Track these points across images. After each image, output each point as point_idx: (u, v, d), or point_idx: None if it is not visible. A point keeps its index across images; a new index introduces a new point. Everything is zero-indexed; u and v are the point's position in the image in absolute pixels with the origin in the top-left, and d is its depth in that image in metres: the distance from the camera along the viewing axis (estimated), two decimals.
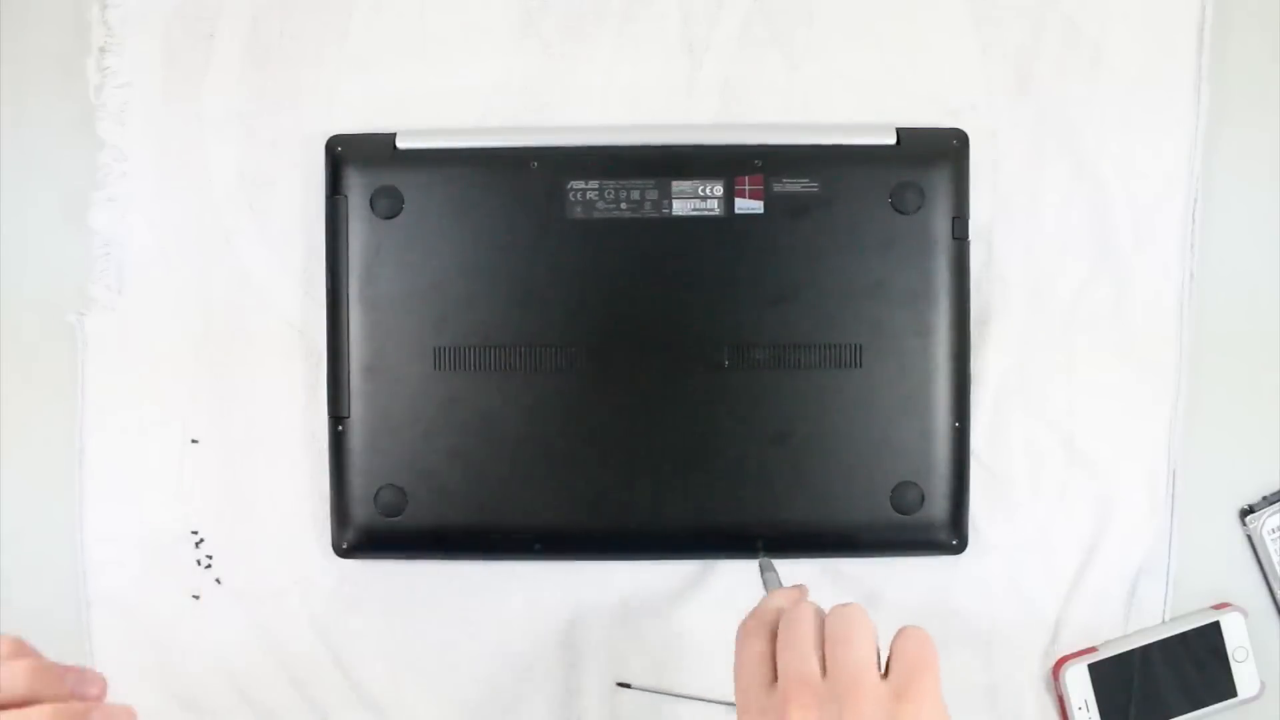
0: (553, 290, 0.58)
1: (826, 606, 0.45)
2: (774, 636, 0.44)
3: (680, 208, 0.58)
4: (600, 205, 0.58)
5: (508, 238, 0.59)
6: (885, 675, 0.42)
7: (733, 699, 0.45)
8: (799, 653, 0.42)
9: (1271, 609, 0.61)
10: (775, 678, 0.43)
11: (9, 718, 0.41)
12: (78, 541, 0.61)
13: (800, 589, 0.50)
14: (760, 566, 0.53)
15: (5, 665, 0.42)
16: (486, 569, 0.61)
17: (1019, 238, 0.61)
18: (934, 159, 0.59)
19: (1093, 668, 0.60)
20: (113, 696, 0.45)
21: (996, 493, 0.61)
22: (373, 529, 0.59)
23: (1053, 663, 0.61)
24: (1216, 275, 0.62)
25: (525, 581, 0.61)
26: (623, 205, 0.58)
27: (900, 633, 0.43)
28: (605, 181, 0.58)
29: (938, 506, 0.59)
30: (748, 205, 0.58)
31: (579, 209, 0.58)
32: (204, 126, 0.62)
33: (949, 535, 0.59)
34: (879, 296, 0.58)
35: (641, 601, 0.61)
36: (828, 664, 0.42)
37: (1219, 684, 0.60)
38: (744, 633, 0.45)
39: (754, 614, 0.46)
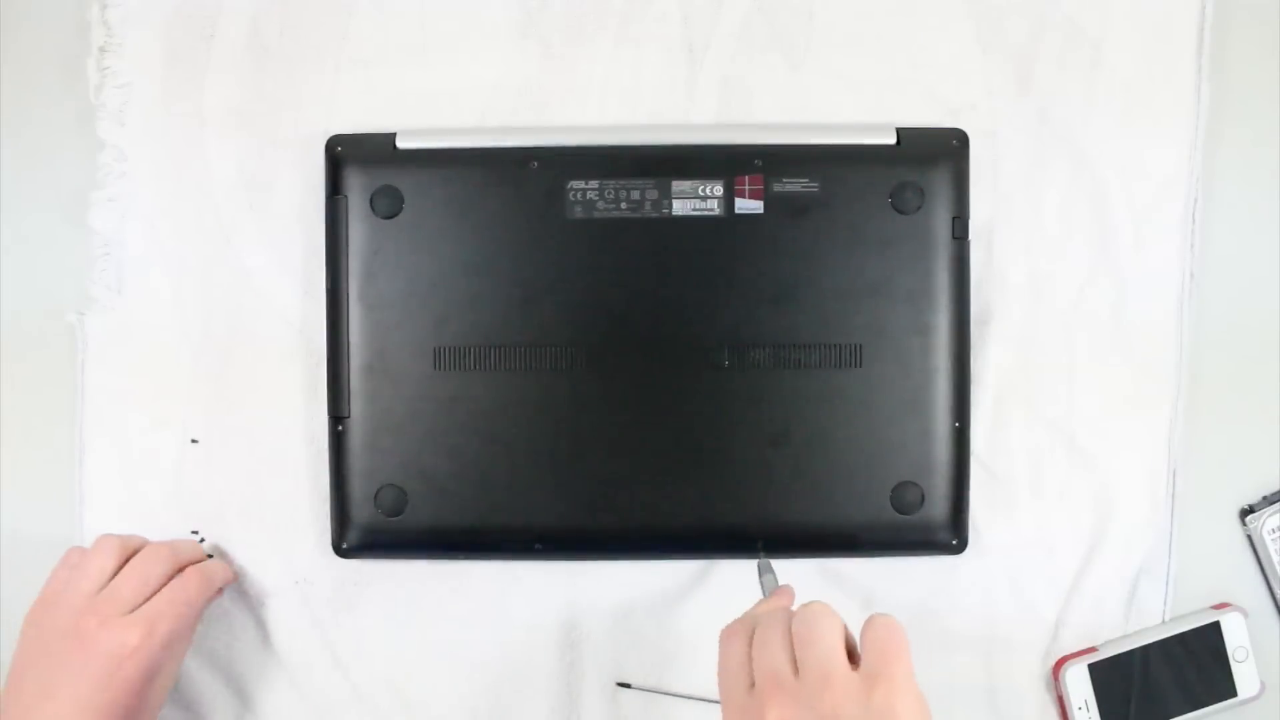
0: (553, 290, 0.58)
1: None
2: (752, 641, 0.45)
3: (680, 208, 0.58)
4: (600, 205, 0.58)
5: (508, 238, 0.59)
6: (859, 665, 0.43)
7: None
8: (770, 654, 0.43)
9: (1271, 609, 0.61)
10: (754, 681, 0.44)
11: (175, 583, 0.56)
12: (78, 541, 0.61)
13: (784, 592, 0.50)
14: (759, 569, 0.53)
15: (145, 550, 0.57)
16: (486, 569, 0.61)
17: (1019, 238, 0.61)
18: (934, 159, 0.59)
19: (1093, 668, 0.60)
20: None
21: (996, 493, 0.61)
22: (373, 529, 0.59)
23: (1053, 663, 0.61)
24: (1216, 275, 0.62)
25: (525, 581, 0.61)
26: (623, 205, 0.58)
27: (869, 621, 0.44)
28: (605, 181, 0.58)
29: (938, 506, 0.59)
30: (748, 205, 0.58)
31: (579, 209, 0.58)
32: (204, 126, 0.62)
33: (949, 535, 0.59)
34: (879, 296, 0.58)
35: (641, 601, 0.61)
36: (798, 663, 0.43)
37: (1219, 684, 0.60)
38: (724, 637, 0.46)
39: (738, 620, 0.47)
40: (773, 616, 0.45)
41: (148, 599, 0.55)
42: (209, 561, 0.59)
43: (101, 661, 0.53)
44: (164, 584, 0.56)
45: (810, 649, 0.43)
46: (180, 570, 0.57)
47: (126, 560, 0.57)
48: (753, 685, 0.44)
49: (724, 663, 0.45)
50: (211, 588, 0.58)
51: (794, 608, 0.46)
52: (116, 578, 0.56)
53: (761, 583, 0.52)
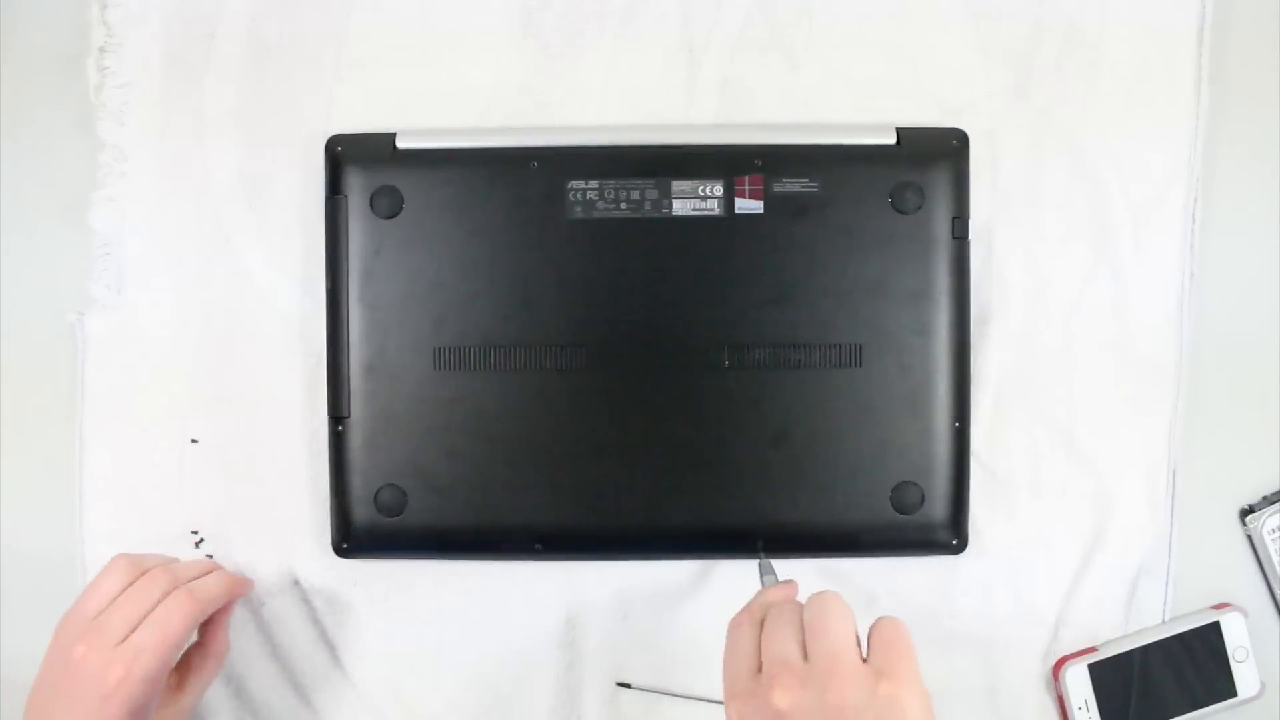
0: (553, 290, 0.58)
1: None
2: (761, 630, 0.46)
3: (680, 208, 0.58)
4: (600, 205, 0.58)
5: (508, 238, 0.59)
6: (866, 660, 0.43)
7: None
8: (780, 640, 0.44)
9: (1271, 609, 0.61)
10: (761, 667, 0.44)
11: (158, 612, 0.54)
12: (78, 541, 0.61)
13: (790, 585, 0.50)
14: (760, 569, 0.53)
15: (144, 577, 0.54)
16: (486, 569, 0.61)
17: (1019, 238, 0.61)
18: (934, 159, 0.59)
19: (1093, 668, 0.60)
20: None
21: (996, 493, 0.61)
22: (373, 529, 0.59)
23: (1053, 663, 0.61)
24: (1216, 275, 0.62)
25: (525, 581, 0.61)
26: (623, 205, 0.58)
27: (877, 621, 0.45)
28: (605, 181, 0.58)
29: (938, 506, 0.59)
30: (748, 205, 0.58)
31: (579, 209, 0.58)
32: (204, 126, 0.62)
33: (949, 535, 0.59)
34: (879, 296, 0.58)
35: (641, 601, 0.61)
36: (808, 649, 0.43)
37: (1219, 684, 0.60)
38: (733, 625, 0.47)
39: (745, 609, 0.48)
40: (784, 606, 0.46)
41: (135, 628, 0.53)
42: (201, 580, 0.56)
43: (85, 696, 0.52)
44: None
45: (821, 637, 0.43)
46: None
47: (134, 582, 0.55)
48: (759, 670, 0.44)
49: (730, 650, 0.46)
50: (203, 608, 0.55)
51: (800, 598, 0.47)
52: (113, 604, 0.53)
53: (763, 583, 0.52)
